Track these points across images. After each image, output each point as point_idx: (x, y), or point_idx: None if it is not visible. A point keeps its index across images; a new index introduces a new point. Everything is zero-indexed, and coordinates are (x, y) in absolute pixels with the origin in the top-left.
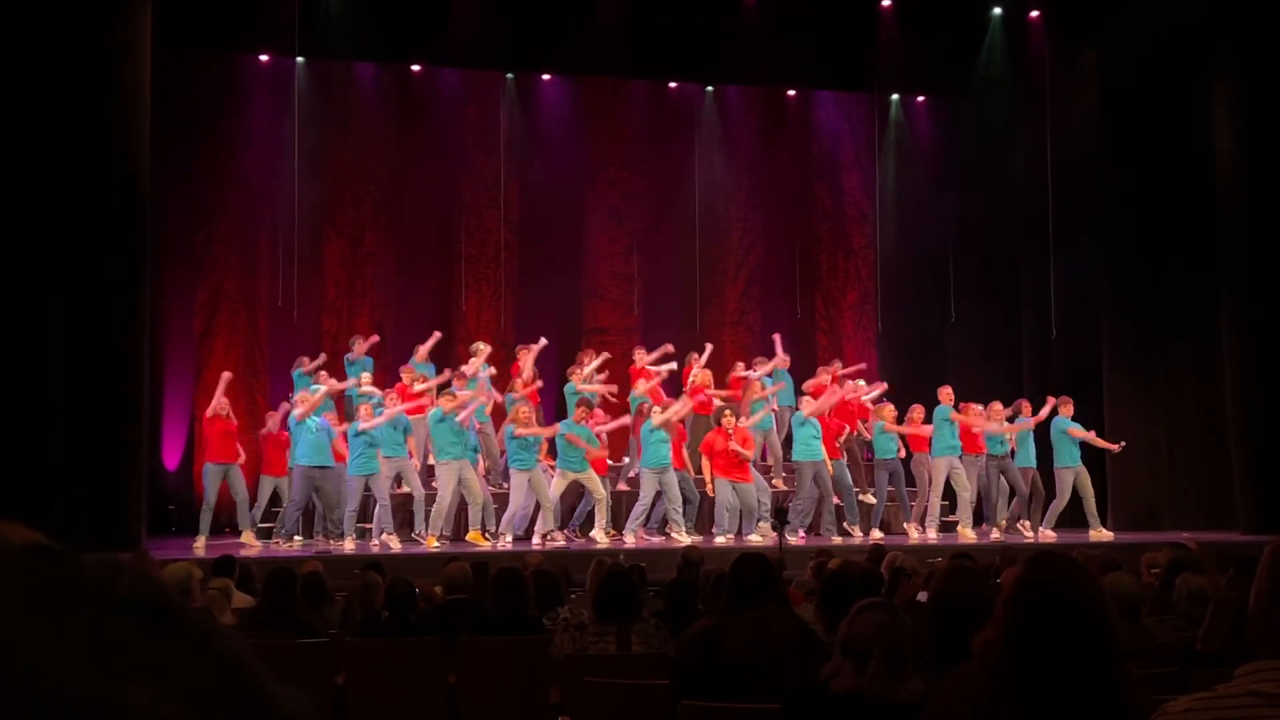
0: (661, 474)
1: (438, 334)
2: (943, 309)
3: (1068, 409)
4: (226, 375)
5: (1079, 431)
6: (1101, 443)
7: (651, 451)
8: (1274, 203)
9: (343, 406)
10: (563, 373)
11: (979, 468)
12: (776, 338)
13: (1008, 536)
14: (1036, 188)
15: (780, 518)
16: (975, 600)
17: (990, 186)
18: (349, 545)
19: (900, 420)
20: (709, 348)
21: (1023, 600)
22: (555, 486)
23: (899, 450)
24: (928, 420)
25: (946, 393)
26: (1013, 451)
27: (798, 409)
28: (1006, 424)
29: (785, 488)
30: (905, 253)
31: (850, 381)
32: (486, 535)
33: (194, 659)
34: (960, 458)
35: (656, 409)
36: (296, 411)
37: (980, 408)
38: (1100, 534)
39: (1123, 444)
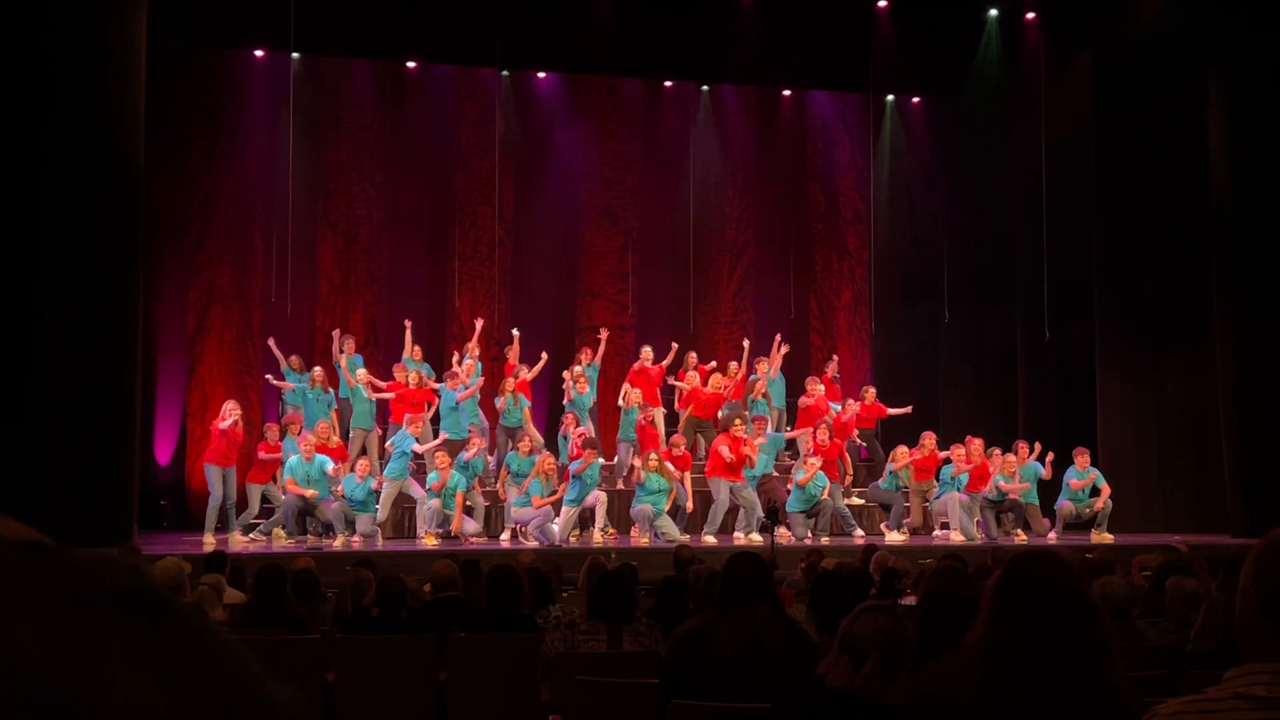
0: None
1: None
2: (936, 310)
3: (1081, 460)
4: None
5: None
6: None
7: (652, 500)
8: (1266, 207)
9: (338, 414)
10: (557, 372)
11: (979, 503)
12: (778, 338)
13: (1001, 538)
14: (1030, 189)
15: (772, 517)
16: (965, 601)
17: (984, 188)
18: (338, 542)
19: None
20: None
21: (1005, 596)
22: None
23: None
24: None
25: (959, 456)
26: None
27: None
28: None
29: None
30: (899, 253)
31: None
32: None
33: (183, 653)
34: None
35: (651, 456)
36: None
37: (982, 449)
38: (1102, 536)
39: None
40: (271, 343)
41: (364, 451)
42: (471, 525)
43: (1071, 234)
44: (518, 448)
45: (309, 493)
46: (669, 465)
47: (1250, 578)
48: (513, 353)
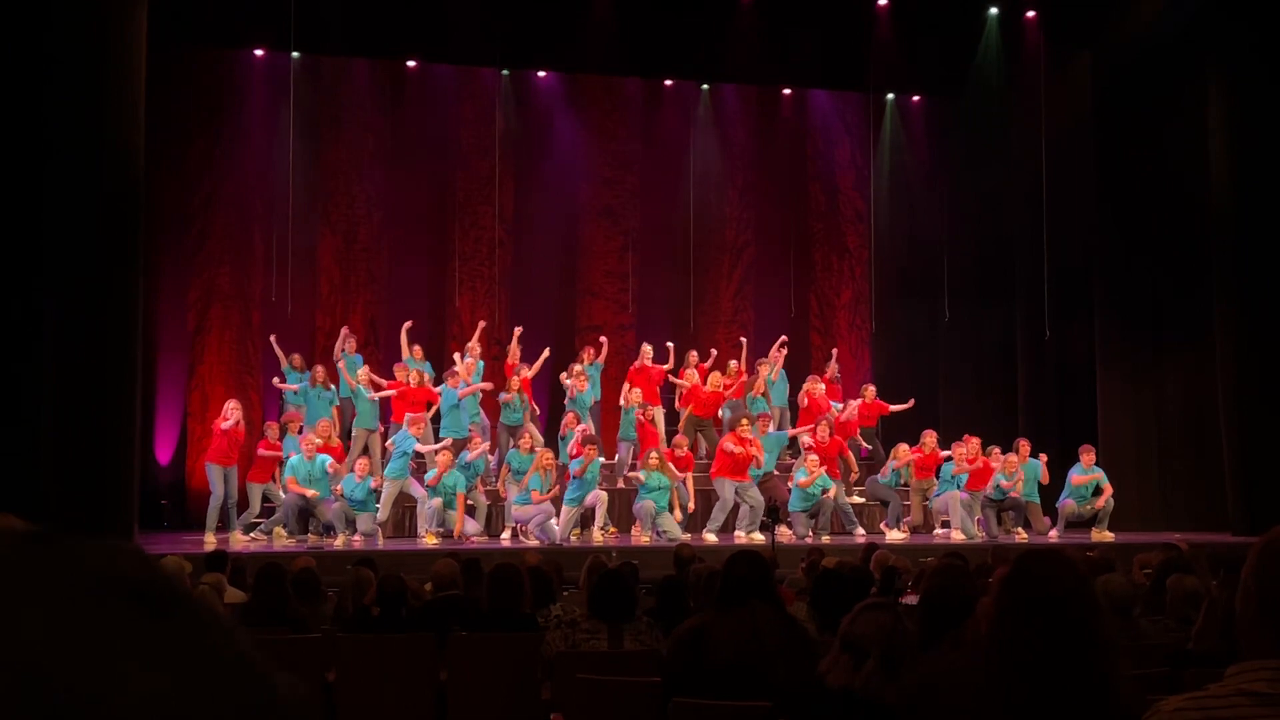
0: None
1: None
2: (936, 309)
3: (1087, 458)
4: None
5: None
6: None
7: (653, 498)
8: (1266, 206)
9: (339, 413)
10: (558, 372)
11: (979, 501)
12: (782, 340)
13: (1001, 536)
14: (1030, 188)
15: (773, 516)
16: (966, 599)
17: (984, 187)
18: (339, 541)
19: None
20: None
21: (1010, 594)
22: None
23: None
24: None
25: (960, 455)
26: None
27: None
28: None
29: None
30: (899, 252)
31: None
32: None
33: (189, 641)
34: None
35: (653, 455)
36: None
37: (979, 447)
38: (1103, 535)
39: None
40: (274, 339)
41: (365, 451)
42: (472, 525)
43: (1071, 233)
44: (518, 445)
45: (309, 492)
46: (670, 465)
47: (1251, 575)
48: (513, 352)
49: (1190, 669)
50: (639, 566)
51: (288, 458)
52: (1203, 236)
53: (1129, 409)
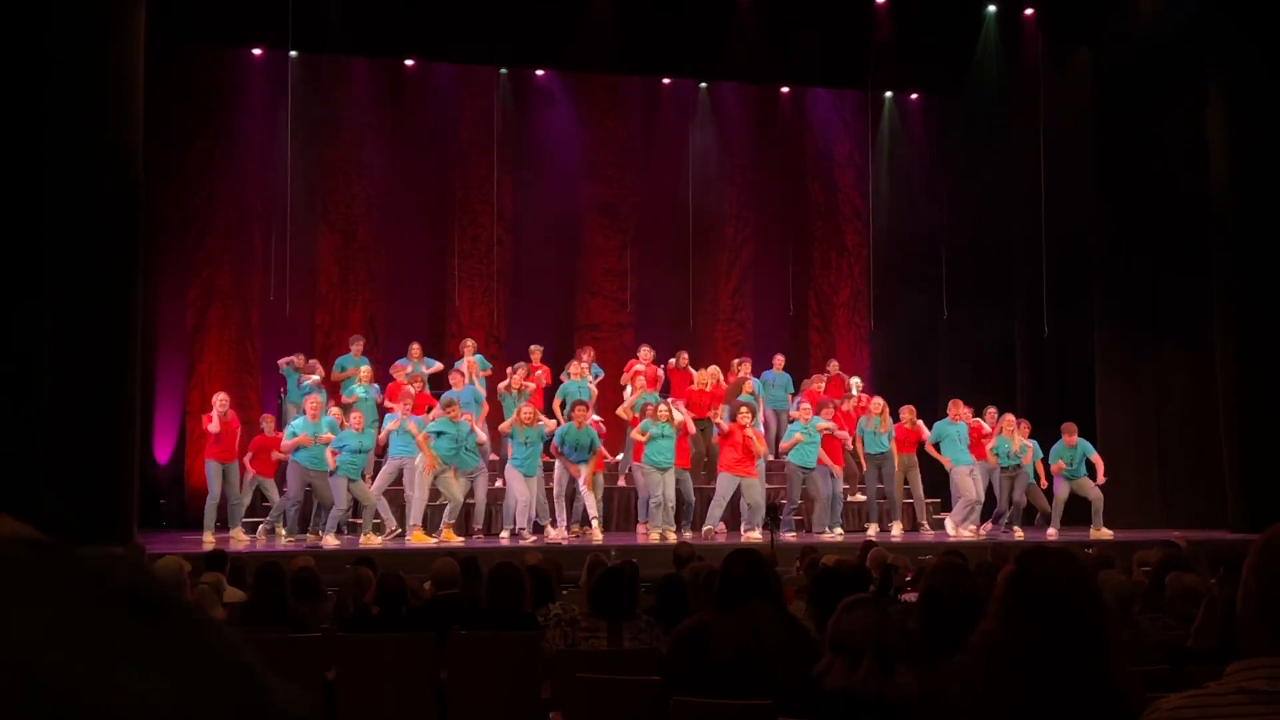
0: (663, 473)
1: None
2: (935, 307)
3: (1069, 438)
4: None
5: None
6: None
7: (653, 448)
8: (1266, 203)
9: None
10: (557, 369)
11: (992, 474)
12: (779, 359)
13: (1000, 534)
14: (1029, 186)
15: (772, 515)
16: (966, 596)
17: (983, 184)
18: (331, 541)
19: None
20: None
21: (1015, 593)
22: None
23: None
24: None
25: (963, 413)
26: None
27: (793, 419)
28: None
29: (775, 484)
30: (898, 250)
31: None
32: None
33: (186, 649)
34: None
35: (661, 405)
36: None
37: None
38: (1100, 533)
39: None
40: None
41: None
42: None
43: (1071, 232)
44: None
45: (305, 437)
46: (677, 410)
47: (1251, 573)
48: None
49: (1190, 666)
50: (639, 565)
51: (290, 425)
52: (1203, 236)
53: (1129, 408)
